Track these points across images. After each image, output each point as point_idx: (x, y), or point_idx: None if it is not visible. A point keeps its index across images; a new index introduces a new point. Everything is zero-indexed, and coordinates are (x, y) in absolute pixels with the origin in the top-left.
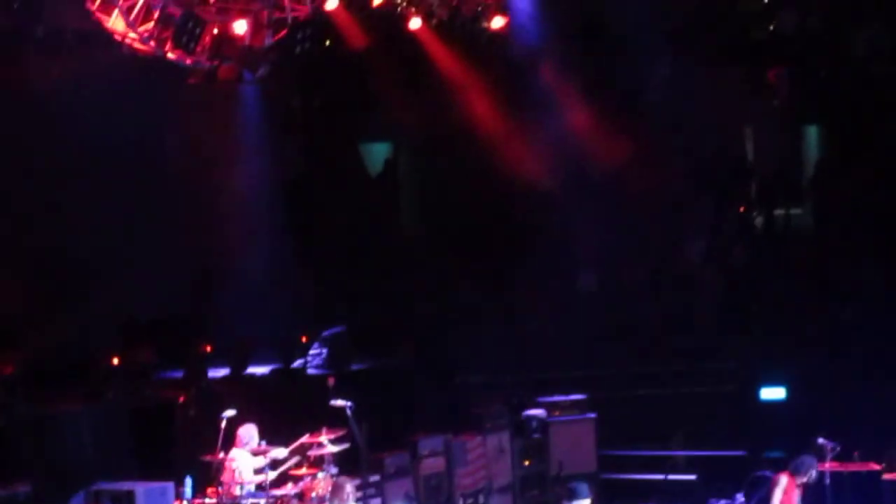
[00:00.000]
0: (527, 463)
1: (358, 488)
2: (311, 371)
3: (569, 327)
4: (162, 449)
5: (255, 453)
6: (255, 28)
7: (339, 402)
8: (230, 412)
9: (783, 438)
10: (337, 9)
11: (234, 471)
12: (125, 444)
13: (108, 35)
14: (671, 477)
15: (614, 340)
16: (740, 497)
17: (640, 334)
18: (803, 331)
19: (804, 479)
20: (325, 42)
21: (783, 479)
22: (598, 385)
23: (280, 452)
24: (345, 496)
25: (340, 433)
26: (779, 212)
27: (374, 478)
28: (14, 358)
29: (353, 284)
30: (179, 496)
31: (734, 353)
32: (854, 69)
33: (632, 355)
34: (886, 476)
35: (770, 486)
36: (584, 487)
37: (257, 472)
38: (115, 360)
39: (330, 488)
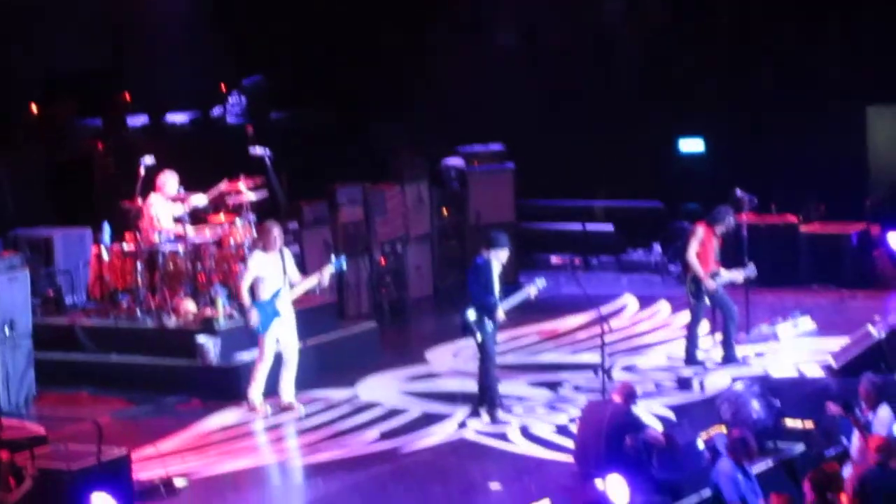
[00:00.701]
0: (445, 212)
1: None
2: (229, 120)
3: (487, 83)
4: (80, 196)
5: (174, 200)
6: None
7: (258, 151)
8: (149, 159)
9: (700, 190)
10: None
11: (152, 217)
12: (44, 193)
13: None
14: (589, 227)
15: (534, 96)
16: (657, 247)
17: (559, 89)
18: (723, 88)
19: (722, 229)
20: None
21: (700, 230)
22: (517, 136)
23: (199, 199)
24: (272, 240)
25: (259, 181)
26: None
27: (293, 226)
28: None
29: (272, 33)
30: (97, 242)
31: (653, 106)
32: None
33: (551, 106)
34: (803, 228)
35: (687, 236)
36: (504, 237)
37: (176, 218)
38: (35, 110)
39: (256, 233)
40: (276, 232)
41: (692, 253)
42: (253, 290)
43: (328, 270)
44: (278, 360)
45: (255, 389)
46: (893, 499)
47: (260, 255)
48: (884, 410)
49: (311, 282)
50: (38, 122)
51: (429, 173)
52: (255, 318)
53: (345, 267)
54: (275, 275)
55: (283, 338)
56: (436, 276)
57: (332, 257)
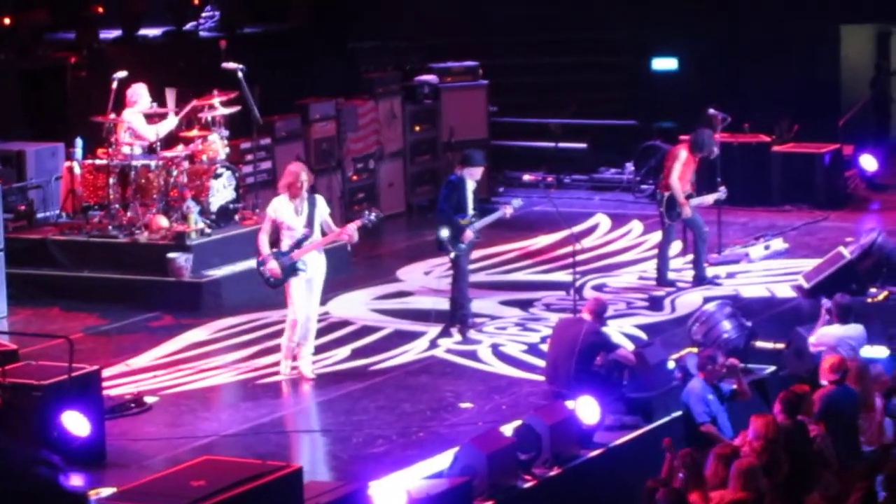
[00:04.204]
0: (418, 129)
1: (249, 151)
2: (203, 34)
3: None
4: (53, 110)
5: (147, 115)
6: None
7: (231, 65)
8: (121, 74)
9: (674, 109)
10: None
11: (125, 132)
12: (16, 106)
13: None
14: (562, 145)
15: (507, 10)
16: (630, 166)
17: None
18: (697, 6)
19: (703, 155)
20: None
21: (683, 153)
22: (490, 52)
23: (170, 124)
24: (295, 185)
25: (232, 96)
26: None
27: (265, 141)
28: None
29: None
30: (70, 156)
31: (627, 24)
32: None
33: (525, 24)
34: (775, 148)
35: (669, 158)
36: (479, 155)
37: (150, 145)
38: (8, 21)
39: (282, 175)
40: (303, 176)
41: (675, 177)
42: (276, 239)
43: (356, 225)
44: None
45: (291, 353)
46: (850, 417)
47: (281, 200)
48: (832, 328)
49: (338, 236)
50: (12, 32)
51: (402, 89)
52: (270, 269)
53: (376, 221)
54: (296, 224)
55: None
56: (408, 193)
57: (365, 213)
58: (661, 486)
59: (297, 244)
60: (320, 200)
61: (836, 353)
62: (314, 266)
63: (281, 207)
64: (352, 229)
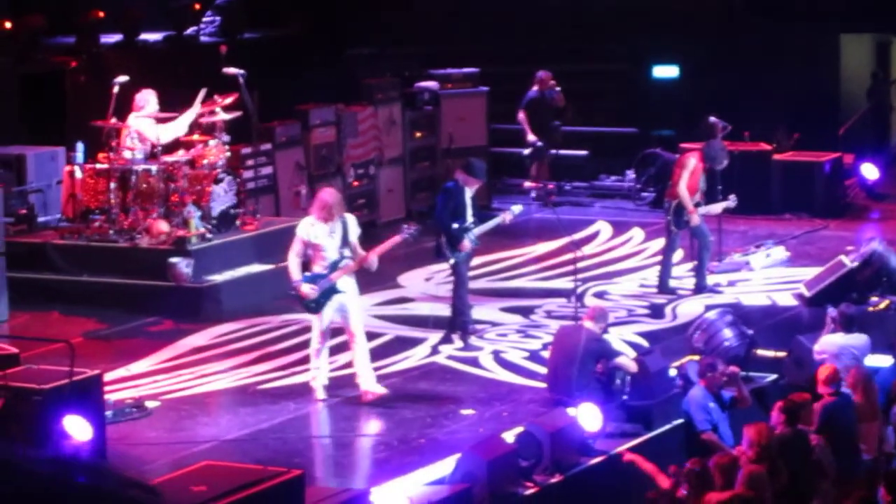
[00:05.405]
0: (417, 135)
1: (249, 157)
2: (203, 39)
3: (462, 6)
4: (52, 115)
5: (158, 120)
6: None
7: (232, 71)
8: (123, 78)
9: (674, 117)
10: None
11: (134, 135)
12: (16, 110)
13: None
14: (562, 152)
15: (507, 17)
16: (630, 173)
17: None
18: (698, 14)
19: (715, 166)
20: None
21: (692, 162)
22: (490, 60)
23: (180, 129)
24: (326, 212)
25: (232, 101)
26: None
27: (265, 147)
28: None
29: None
30: (71, 161)
31: (627, 31)
32: None
33: (525, 31)
34: (776, 156)
35: (677, 167)
36: (481, 168)
37: (152, 148)
38: (7, 25)
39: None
40: (332, 201)
41: (683, 186)
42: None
43: (398, 239)
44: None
45: (312, 375)
46: (850, 426)
47: (311, 221)
48: (835, 336)
49: (364, 261)
50: (10, 36)
51: (402, 95)
52: (304, 292)
53: (416, 234)
54: (330, 245)
55: (345, 317)
56: (408, 199)
57: (404, 227)
58: (662, 498)
59: (334, 266)
60: (351, 220)
61: (837, 361)
62: (351, 285)
63: (313, 229)
64: (372, 259)
